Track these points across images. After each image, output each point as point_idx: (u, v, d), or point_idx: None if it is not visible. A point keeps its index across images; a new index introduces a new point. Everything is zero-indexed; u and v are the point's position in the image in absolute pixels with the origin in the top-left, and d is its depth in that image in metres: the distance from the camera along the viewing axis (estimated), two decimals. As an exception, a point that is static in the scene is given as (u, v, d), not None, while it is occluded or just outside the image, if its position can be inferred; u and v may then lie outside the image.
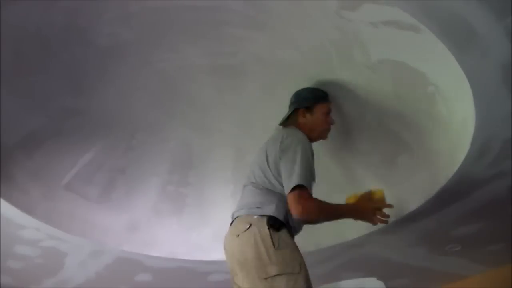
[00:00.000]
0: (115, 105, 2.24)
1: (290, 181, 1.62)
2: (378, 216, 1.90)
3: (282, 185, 1.68)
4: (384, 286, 2.11)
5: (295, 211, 1.59)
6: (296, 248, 1.60)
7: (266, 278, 1.48)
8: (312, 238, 2.51)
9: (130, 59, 2.02)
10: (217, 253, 2.69)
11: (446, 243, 2.86)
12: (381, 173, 2.43)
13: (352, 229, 2.60)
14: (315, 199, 1.66)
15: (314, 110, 1.98)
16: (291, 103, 2.06)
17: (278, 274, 1.48)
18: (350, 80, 2.07)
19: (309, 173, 1.68)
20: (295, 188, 1.60)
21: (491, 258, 3.16)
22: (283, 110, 2.08)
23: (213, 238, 2.67)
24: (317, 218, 1.70)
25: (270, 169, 1.73)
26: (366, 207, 1.88)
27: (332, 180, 2.54)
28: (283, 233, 1.59)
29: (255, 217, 1.61)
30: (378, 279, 2.22)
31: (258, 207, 1.65)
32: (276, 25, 1.84)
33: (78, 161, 2.37)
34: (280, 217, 1.62)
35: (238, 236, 1.60)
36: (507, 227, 2.67)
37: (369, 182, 2.48)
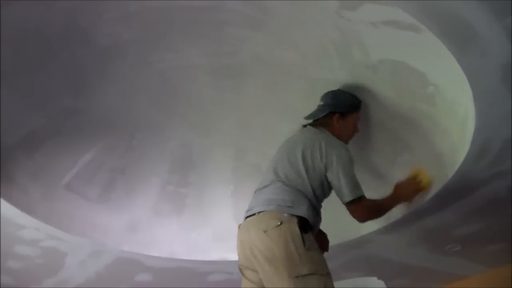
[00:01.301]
0: (115, 105, 2.24)
1: (343, 196, 1.72)
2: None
3: (315, 191, 1.72)
4: (384, 286, 2.11)
5: (358, 219, 1.77)
6: (320, 251, 1.67)
7: (297, 277, 1.49)
8: (312, 238, 2.51)
9: (130, 59, 2.02)
10: (217, 253, 2.69)
11: (446, 243, 2.86)
12: (381, 173, 2.42)
13: (352, 229, 2.61)
14: (366, 205, 1.74)
15: (348, 117, 1.98)
16: (327, 104, 1.99)
17: (310, 274, 1.50)
18: (350, 80, 2.07)
19: (355, 182, 1.74)
20: (349, 202, 1.71)
21: (491, 258, 3.16)
22: (283, 110, 2.08)
23: (213, 238, 2.67)
24: (374, 218, 1.85)
25: (307, 173, 1.73)
26: (405, 195, 1.95)
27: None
28: (311, 236, 1.62)
29: (286, 215, 1.60)
30: (378, 279, 2.22)
31: (289, 206, 1.63)
32: (276, 25, 1.84)
33: (78, 161, 2.37)
34: (310, 220, 1.64)
35: (265, 231, 1.58)
36: (507, 227, 2.67)
37: (369, 182, 2.48)
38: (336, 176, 1.72)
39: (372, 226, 2.54)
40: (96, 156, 2.40)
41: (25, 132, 2.13)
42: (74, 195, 2.42)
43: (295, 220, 1.59)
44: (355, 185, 1.72)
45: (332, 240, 2.64)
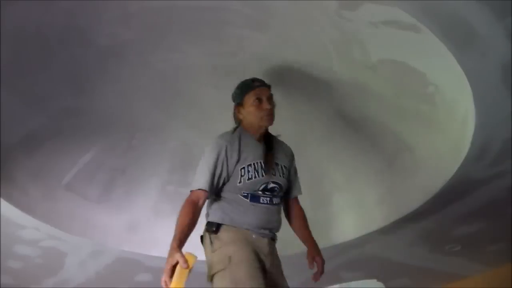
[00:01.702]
0: (115, 105, 2.24)
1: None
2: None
3: (215, 190, 1.70)
4: (384, 287, 2.11)
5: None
6: (233, 244, 1.59)
7: (211, 281, 1.58)
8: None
9: (130, 59, 2.02)
10: (217, 253, 2.68)
11: (446, 243, 2.86)
12: (381, 173, 2.43)
13: (352, 228, 2.61)
14: (186, 205, 1.62)
15: (245, 102, 1.81)
16: None
17: (214, 274, 1.57)
18: (350, 80, 2.07)
19: (203, 177, 1.67)
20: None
21: (491, 258, 3.16)
22: (283, 110, 2.08)
23: (213, 238, 2.66)
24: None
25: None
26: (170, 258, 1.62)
27: (333, 179, 2.55)
28: (224, 234, 1.62)
29: (205, 228, 1.69)
30: (378, 279, 2.21)
31: (206, 217, 1.70)
32: (276, 25, 1.84)
33: (78, 161, 2.37)
34: (216, 219, 1.65)
35: None
36: (507, 227, 2.67)
37: (369, 181, 2.48)
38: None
39: (372, 226, 2.54)
40: (96, 156, 2.40)
41: (25, 132, 2.13)
42: (74, 195, 2.42)
43: (206, 229, 1.67)
44: (197, 177, 1.70)
45: (333, 240, 2.64)
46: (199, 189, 1.64)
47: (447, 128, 2.04)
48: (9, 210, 2.18)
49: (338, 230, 2.61)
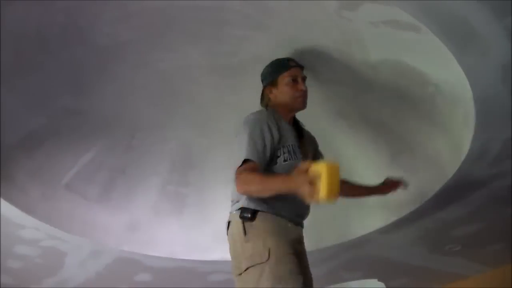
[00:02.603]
0: (115, 105, 2.24)
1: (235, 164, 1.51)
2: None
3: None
4: (384, 287, 2.11)
5: (238, 188, 1.49)
6: (270, 236, 1.45)
7: (240, 274, 1.43)
8: (313, 238, 2.51)
9: (130, 59, 2.02)
10: (217, 253, 2.69)
11: (446, 243, 2.86)
12: (381, 173, 2.42)
13: (352, 228, 2.61)
14: (250, 174, 1.46)
15: (278, 83, 1.75)
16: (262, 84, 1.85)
17: (248, 267, 1.41)
18: (350, 80, 2.07)
19: (253, 148, 1.50)
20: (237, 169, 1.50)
21: (491, 258, 3.16)
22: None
23: (213, 238, 2.67)
24: (251, 192, 1.50)
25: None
26: (297, 183, 1.36)
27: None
28: (256, 222, 1.47)
29: (233, 213, 1.54)
30: (378, 279, 2.22)
31: (234, 204, 1.56)
32: (276, 25, 1.84)
33: (78, 161, 2.37)
34: (252, 206, 1.49)
35: (227, 237, 1.56)
36: (507, 227, 2.67)
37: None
38: (237, 148, 1.54)
39: (372, 226, 2.54)
40: (96, 156, 2.40)
41: (25, 132, 2.13)
42: (74, 195, 2.42)
43: (237, 214, 1.51)
44: (253, 148, 1.50)
45: (333, 240, 2.65)
46: (250, 161, 1.46)
47: (447, 128, 2.04)
48: (9, 210, 2.18)
49: (338, 230, 2.61)
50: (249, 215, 1.47)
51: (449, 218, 2.52)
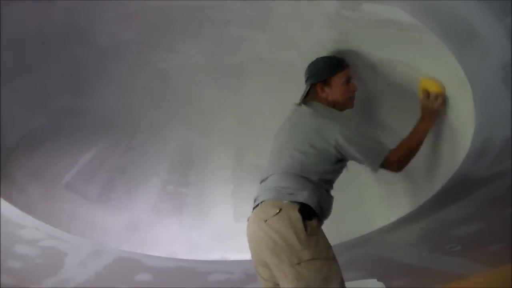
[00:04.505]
0: (115, 105, 2.24)
1: (370, 167, 1.68)
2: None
3: (321, 175, 1.63)
4: (384, 287, 2.11)
5: (395, 172, 1.74)
6: (326, 237, 1.56)
7: (299, 263, 1.44)
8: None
9: (130, 59, 2.02)
10: (217, 253, 2.69)
11: (446, 243, 2.86)
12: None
13: (352, 228, 2.61)
14: (397, 157, 1.69)
15: (332, 81, 1.80)
16: (307, 78, 1.87)
17: (313, 259, 1.45)
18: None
19: (372, 147, 1.67)
20: (380, 167, 1.67)
21: (491, 258, 3.16)
22: (283, 110, 2.07)
23: (213, 237, 2.67)
24: (409, 161, 1.75)
25: (311, 158, 1.65)
26: (430, 112, 1.79)
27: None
28: (314, 222, 1.54)
29: (286, 202, 1.54)
30: (378, 279, 2.21)
31: (290, 193, 1.57)
32: (276, 25, 1.84)
33: (78, 161, 2.37)
34: (314, 205, 1.55)
35: (266, 221, 1.53)
36: (507, 227, 2.67)
37: (368, 181, 2.48)
38: (352, 153, 1.65)
39: (372, 226, 2.54)
40: (96, 155, 2.40)
41: (25, 132, 2.13)
42: (74, 195, 2.42)
43: (296, 207, 1.52)
44: (373, 149, 1.66)
45: (332, 240, 2.64)
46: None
47: (447, 128, 2.04)
48: (9, 210, 2.18)
49: (338, 230, 2.60)
50: (309, 214, 1.53)
51: (449, 218, 2.52)
